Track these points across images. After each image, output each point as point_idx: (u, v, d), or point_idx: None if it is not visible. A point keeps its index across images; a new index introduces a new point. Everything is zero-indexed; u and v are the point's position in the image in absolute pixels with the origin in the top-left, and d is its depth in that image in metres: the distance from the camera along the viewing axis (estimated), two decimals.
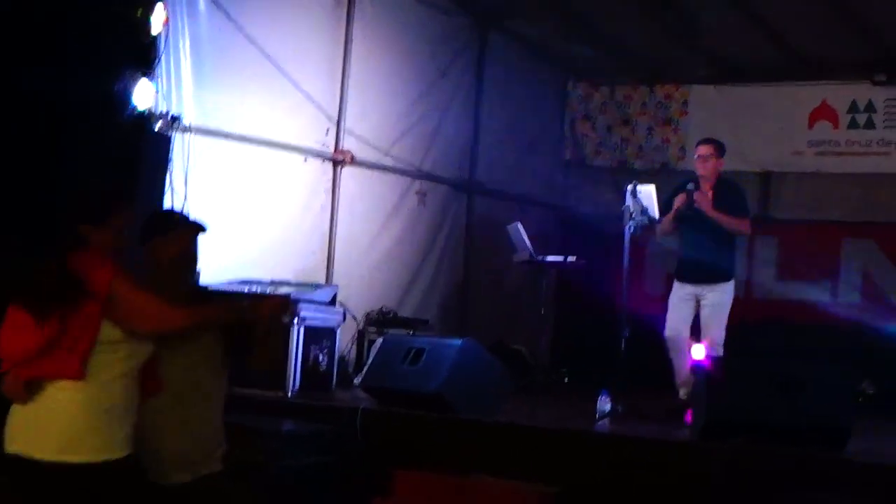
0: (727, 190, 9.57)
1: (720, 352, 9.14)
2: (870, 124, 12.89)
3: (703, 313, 9.32)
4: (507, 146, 12.95)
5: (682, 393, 9.22)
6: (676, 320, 9.37)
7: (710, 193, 9.35)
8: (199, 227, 4.99)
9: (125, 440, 4.45)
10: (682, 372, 9.20)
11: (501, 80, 12.63)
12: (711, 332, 9.23)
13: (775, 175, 13.31)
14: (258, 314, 4.79)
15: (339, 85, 10.14)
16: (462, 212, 12.22)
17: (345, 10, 10.15)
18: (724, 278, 9.40)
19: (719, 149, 9.60)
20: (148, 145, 7.79)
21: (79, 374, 4.31)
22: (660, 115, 13.81)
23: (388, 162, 10.83)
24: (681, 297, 9.43)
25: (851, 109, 12.98)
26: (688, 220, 9.37)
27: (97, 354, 4.34)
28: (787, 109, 13.20)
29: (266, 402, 7.95)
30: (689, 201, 9.25)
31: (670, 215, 9.35)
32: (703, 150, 9.57)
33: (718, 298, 9.32)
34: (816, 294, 12.86)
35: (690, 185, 9.36)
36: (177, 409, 4.75)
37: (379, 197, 10.83)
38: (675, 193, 9.49)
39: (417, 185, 11.37)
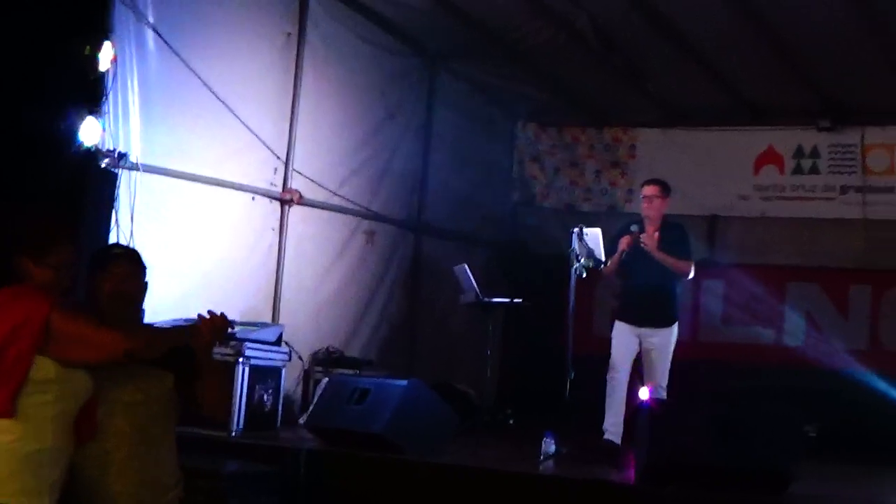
0: (672, 231, 9.53)
1: (663, 395, 9.13)
2: (815, 169, 13.06)
3: (648, 357, 9.29)
4: (456, 186, 12.97)
5: (609, 434, 9.16)
6: (619, 359, 9.29)
7: (655, 235, 9.34)
8: (138, 262, 4.91)
9: (51, 488, 4.27)
10: (614, 413, 9.18)
11: (450, 121, 12.67)
12: (656, 375, 9.21)
13: (721, 219, 13.44)
14: (200, 334, 4.70)
15: (287, 124, 10.13)
16: (410, 252, 12.23)
17: (294, 50, 10.15)
18: (668, 322, 9.38)
19: (665, 190, 9.59)
20: (94, 182, 7.75)
21: (7, 412, 4.14)
22: (607, 158, 13.92)
23: (337, 201, 10.82)
24: (624, 336, 9.36)
25: (797, 154, 13.15)
26: (632, 262, 9.31)
27: (27, 395, 4.19)
28: (734, 154, 13.35)
29: (210, 442, 7.88)
30: (635, 242, 9.23)
31: (615, 257, 9.30)
32: (649, 190, 9.56)
33: (663, 342, 9.30)
34: (761, 337, 12.96)
35: (634, 227, 9.35)
36: (123, 450, 4.63)
37: (327, 236, 10.81)
38: (620, 234, 9.49)
39: (365, 224, 11.36)
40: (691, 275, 9.69)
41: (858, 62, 10.91)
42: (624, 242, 9.26)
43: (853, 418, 11.73)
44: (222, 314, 4.71)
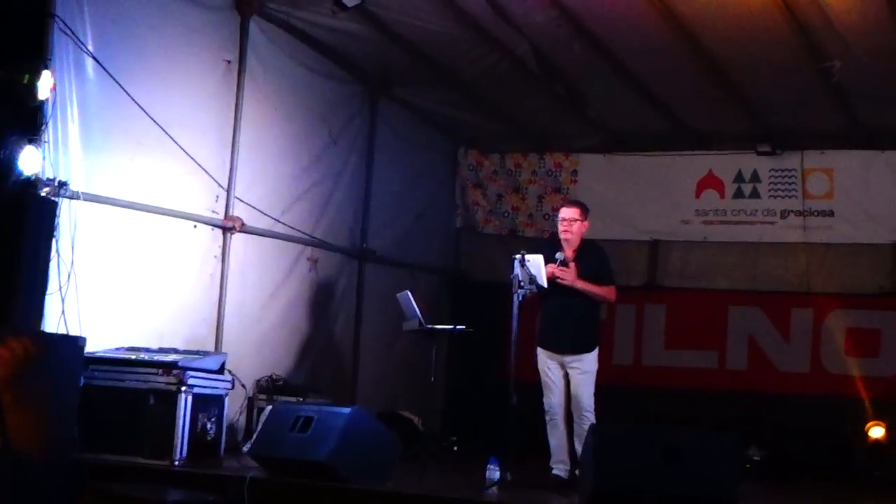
0: (591, 254, 9.36)
1: (591, 419, 8.96)
2: (755, 194, 13.18)
3: (573, 383, 9.13)
4: (399, 213, 13.01)
5: (558, 469, 9.11)
6: (553, 394, 9.21)
7: (572, 262, 9.16)
8: None
9: None
10: (559, 448, 9.15)
11: (393, 148, 12.70)
12: (581, 401, 9.05)
13: (663, 244, 13.54)
14: None
15: (229, 151, 10.09)
16: (353, 279, 12.21)
17: (235, 77, 10.11)
18: (590, 348, 9.20)
19: (584, 211, 9.39)
20: (33, 211, 7.68)
21: None
22: (550, 184, 13.99)
23: (280, 229, 10.79)
24: (549, 366, 9.24)
25: (737, 179, 13.28)
26: (552, 289, 9.08)
27: None
28: (675, 179, 13.46)
29: (152, 471, 7.84)
30: (556, 275, 9.05)
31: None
32: (568, 212, 9.35)
33: (586, 367, 9.14)
34: (704, 361, 13.04)
35: (559, 255, 9.14)
36: None
37: (270, 264, 10.77)
38: (537, 253, 9.13)
39: (309, 251, 11.34)
40: (613, 299, 9.59)
41: (797, 87, 11.05)
42: (548, 272, 9.01)
43: (795, 442, 11.82)
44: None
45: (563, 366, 9.20)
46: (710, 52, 10.41)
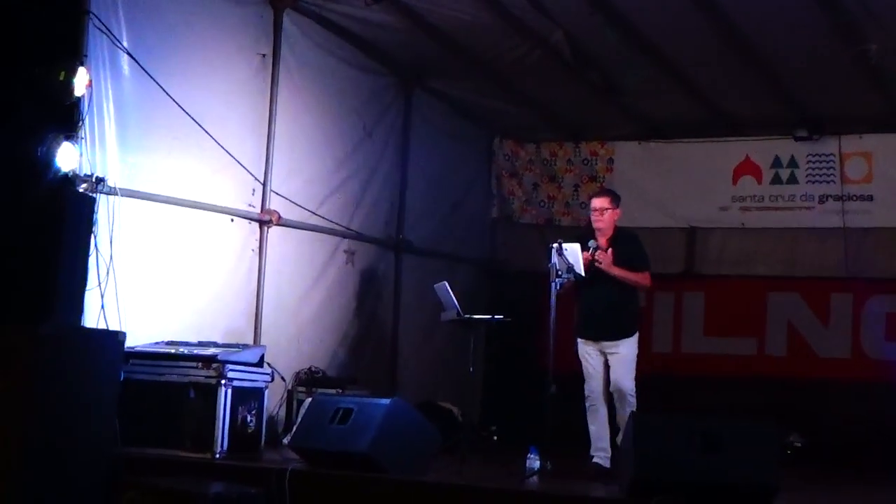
0: (625, 242, 9.44)
1: (633, 403, 9.07)
2: (793, 179, 13.11)
3: (612, 369, 9.22)
4: (435, 204, 13.01)
5: (599, 458, 9.14)
6: (592, 380, 9.31)
7: (609, 250, 9.26)
8: None
9: None
10: (599, 436, 9.21)
11: (427, 139, 12.70)
12: (622, 384, 9.13)
13: (701, 230, 13.48)
14: None
15: (265, 145, 10.13)
16: (390, 270, 12.23)
17: (270, 71, 10.15)
18: (629, 334, 9.29)
19: (614, 200, 9.49)
20: (72, 208, 7.71)
21: None
22: (585, 172, 13.97)
23: (316, 221, 10.81)
24: (589, 355, 9.34)
25: (774, 165, 13.20)
26: (588, 278, 9.18)
27: None
28: (712, 165, 13.40)
29: (194, 464, 7.88)
30: (592, 260, 9.16)
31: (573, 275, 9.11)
32: (599, 202, 9.46)
33: (625, 351, 9.22)
34: (743, 348, 12.99)
35: (592, 243, 9.24)
36: None
37: (307, 257, 10.80)
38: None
39: (345, 244, 11.36)
40: (649, 285, 9.65)
41: (833, 71, 10.95)
42: (584, 259, 9.10)
43: (836, 428, 11.77)
44: None
45: (602, 353, 9.27)
46: (745, 37, 10.34)
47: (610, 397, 9.24)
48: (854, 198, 12.80)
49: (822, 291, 12.84)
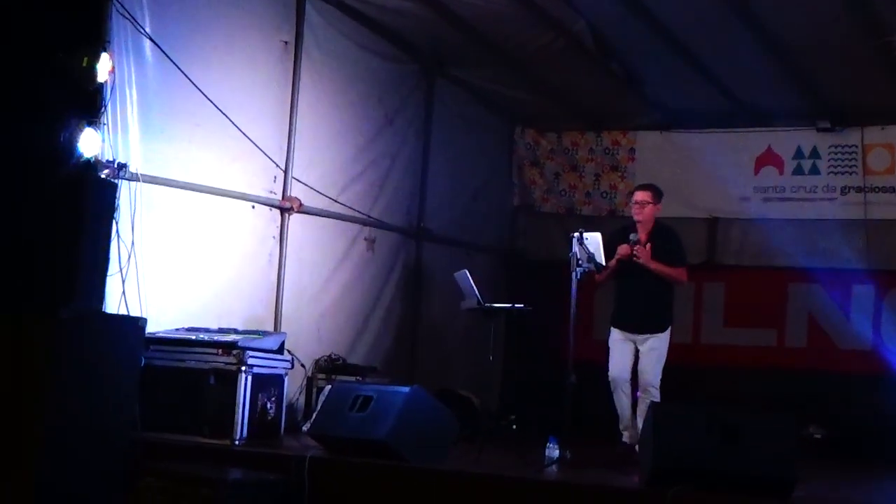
0: (664, 237, 9.67)
1: (657, 396, 9.26)
2: (815, 170, 13.07)
3: (642, 359, 9.45)
4: (456, 192, 13.02)
5: (626, 437, 9.30)
6: (618, 362, 9.50)
7: (648, 245, 9.45)
8: None
9: None
10: (625, 416, 9.32)
11: (449, 127, 12.70)
12: (647, 377, 9.38)
13: (722, 221, 13.46)
14: None
15: (286, 132, 10.14)
16: (411, 258, 12.24)
17: (292, 59, 10.15)
18: (662, 328, 9.54)
19: (656, 195, 9.72)
20: (94, 193, 7.72)
21: None
22: (607, 162, 13.96)
23: (337, 209, 10.82)
24: (619, 341, 9.57)
25: (797, 155, 13.16)
26: (626, 269, 9.44)
27: None
28: (733, 155, 13.37)
29: (213, 450, 7.90)
30: (631, 253, 9.36)
31: (612, 266, 9.38)
32: (640, 195, 9.70)
33: (655, 344, 9.47)
34: (763, 339, 12.97)
35: (633, 236, 9.46)
36: None
37: (327, 244, 10.81)
38: (614, 239, 9.57)
39: (366, 231, 11.37)
40: (686, 280, 9.88)
41: (856, 63, 10.92)
42: (622, 251, 9.39)
43: (858, 420, 11.74)
44: None
45: (633, 343, 9.50)
46: (768, 27, 10.31)
47: (632, 387, 9.41)
48: (876, 189, 12.76)
49: (844, 283, 12.80)
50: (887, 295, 12.56)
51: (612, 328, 9.65)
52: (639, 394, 9.39)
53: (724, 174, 13.38)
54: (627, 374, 9.48)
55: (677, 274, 9.61)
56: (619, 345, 9.54)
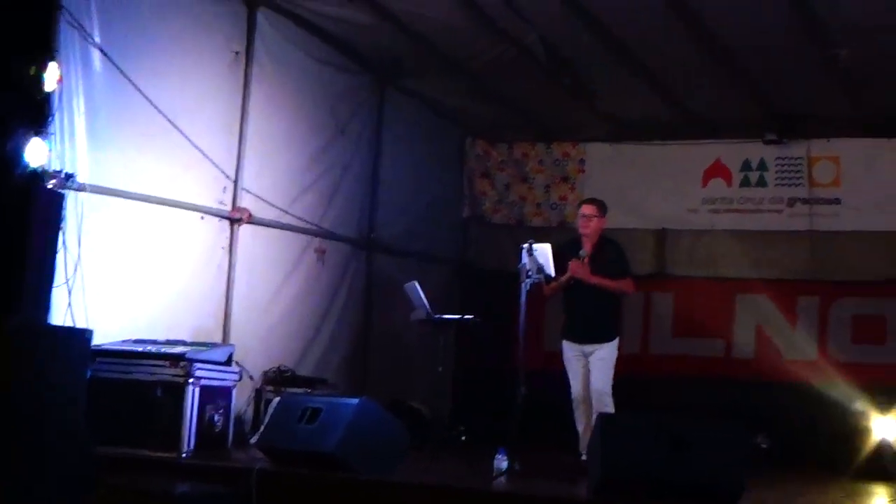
0: (608, 249, 9.84)
1: (610, 404, 9.38)
2: (762, 182, 13.19)
3: (592, 366, 9.58)
4: (407, 203, 13.01)
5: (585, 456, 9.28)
6: (577, 383, 9.64)
7: (585, 260, 9.60)
8: None
9: None
10: (586, 437, 9.29)
11: (400, 138, 12.70)
12: (598, 384, 9.51)
13: (670, 232, 13.54)
14: None
15: (236, 143, 10.10)
16: (362, 269, 12.22)
17: (242, 69, 10.13)
18: (610, 338, 9.69)
19: (601, 208, 9.88)
20: (40, 204, 7.68)
21: None
22: (557, 173, 14.02)
23: (287, 219, 10.79)
24: (573, 358, 9.71)
25: (744, 167, 13.29)
26: (573, 283, 9.62)
27: None
28: (682, 167, 13.46)
29: (159, 463, 7.85)
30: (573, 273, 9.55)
31: (561, 282, 9.57)
32: (586, 209, 9.86)
33: (603, 354, 9.61)
34: (711, 349, 13.05)
35: (582, 252, 9.64)
36: None
37: (277, 255, 10.78)
38: (561, 252, 9.67)
39: (316, 242, 11.34)
40: (632, 291, 10.08)
41: (804, 75, 11.04)
42: (571, 269, 9.56)
43: (804, 430, 11.81)
44: None
45: (584, 355, 9.64)
46: (717, 40, 10.40)
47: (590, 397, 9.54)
48: (822, 201, 12.90)
49: (790, 294, 12.91)
50: (832, 305, 12.67)
51: (563, 341, 9.80)
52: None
53: (673, 186, 13.48)
54: (585, 389, 9.61)
55: (621, 286, 9.79)
56: (573, 362, 9.69)
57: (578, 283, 9.60)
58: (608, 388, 9.49)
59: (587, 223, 9.75)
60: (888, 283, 12.55)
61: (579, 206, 10.15)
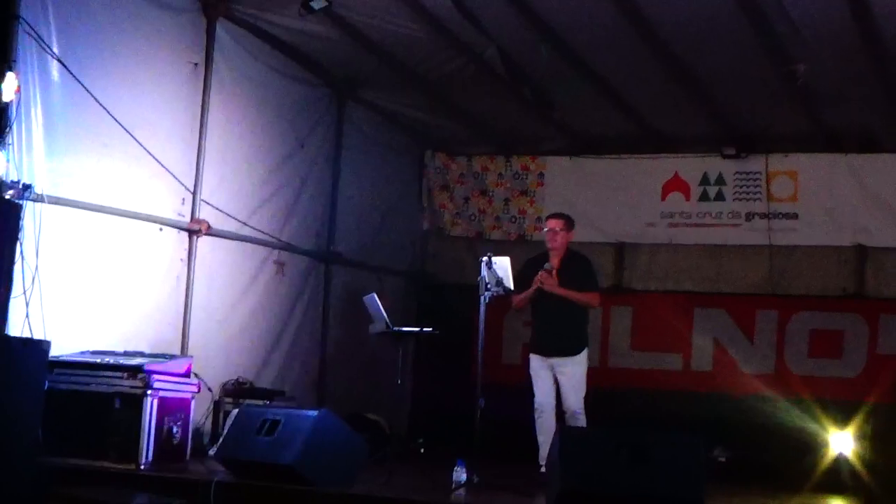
0: (576, 263, 9.98)
1: (582, 420, 9.55)
2: (720, 197, 13.26)
3: (562, 384, 9.71)
4: (366, 216, 13.00)
5: (545, 468, 9.31)
6: (542, 388, 9.76)
7: (554, 273, 9.75)
8: None
9: None
10: (545, 448, 9.34)
11: (360, 150, 12.69)
12: (570, 402, 9.65)
13: (629, 246, 13.60)
14: None
15: (195, 154, 10.06)
16: (320, 282, 12.19)
17: (201, 80, 10.09)
18: (577, 351, 9.79)
19: (568, 223, 10.03)
20: None
21: None
22: (516, 187, 14.04)
23: (246, 232, 10.76)
24: (540, 368, 9.81)
25: (703, 182, 13.35)
26: (540, 296, 9.77)
27: None
28: (641, 181, 13.51)
29: (118, 475, 7.81)
30: (540, 283, 9.70)
31: (529, 293, 9.72)
32: (553, 223, 10.00)
33: (574, 370, 9.73)
34: (669, 363, 13.10)
35: (548, 265, 9.78)
36: None
37: (236, 267, 10.75)
38: (529, 265, 9.84)
39: (276, 255, 11.31)
40: (597, 304, 10.21)
41: (762, 91, 11.11)
42: (537, 281, 9.70)
43: (761, 443, 11.87)
44: None
45: (552, 368, 9.76)
46: (676, 55, 10.45)
47: (559, 412, 9.68)
48: (780, 216, 12.98)
49: (748, 308, 12.99)
50: (790, 319, 12.75)
51: (531, 354, 9.93)
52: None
53: (632, 200, 13.54)
54: (552, 399, 9.72)
55: (587, 298, 9.91)
56: (540, 372, 9.79)
57: (546, 295, 9.73)
58: (581, 405, 9.65)
59: (554, 237, 9.89)
60: (845, 298, 12.66)
61: (546, 220, 10.29)
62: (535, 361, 9.87)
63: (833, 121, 12.06)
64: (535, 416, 9.71)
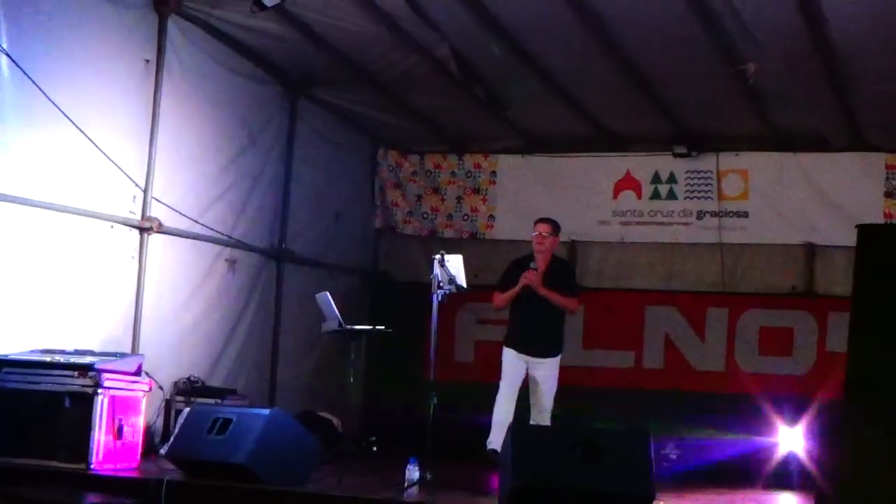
0: (560, 268, 10.41)
1: (548, 418, 9.98)
2: (672, 195, 13.33)
3: (535, 386, 10.09)
4: (318, 213, 12.98)
5: (494, 444, 9.48)
6: (509, 385, 10.10)
7: (541, 273, 10.08)
8: None
9: None
10: (499, 426, 9.62)
11: (312, 148, 12.67)
12: (543, 402, 10.06)
13: (581, 244, 13.63)
14: None
15: (146, 151, 10.00)
16: (272, 280, 12.15)
17: (153, 77, 10.03)
18: (553, 353, 10.21)
19: (555, 228, 10.40)
20: None
21: None
22: (469, 185, 14.06)
23: (198, 229, 10.71)
24: (512, 360, 10.16)
25: (654, 180, 13.41)
26: (523, 296, 10.10)
27: None
28: (593, 180, 13.57)
29: (69, 475, 7.76)
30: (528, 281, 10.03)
31: (514, 291, 10.08)
32: (542, 228, 10.34)
33: (548, 372, 10.15)
34: (621, 361, 13.15)
35: (533, 265, 10.12)
36: None
37: (188, 265, 10.69)
38: (514, 266, 10.28)
39: (227, 252, 11.26)
40: (575, 311, 10.61)
41: (712, 90, 11.18)
42: (524, 279, 10.04)
43: (713, 440, 11.94)
44: None
45: (526, 365, 10.14)
46: (627, 54, 10.50)
47: (527, 405, 10.11)
48: (730, 214, 13.08)
49: (699, 305, 13.07)
50: (740, 317, 12.84)
51: (506, 348, 10.23)
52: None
53: (584, 198, 13.58)
54: (516, 392, 10.07)
55: (568, 303, 10.27)
56: (513, 360, 10.14)
57: (528, 294, 10.03)
58: (551, 404, 10.08)
59: (542, 241, 10.24)
60: (794, 295, 12.76)
61: (534, 224, 10.48)
62: (511, 355, 10.17)
63: (783, 120, 12.15)
64: (497, 398, 10.00)
